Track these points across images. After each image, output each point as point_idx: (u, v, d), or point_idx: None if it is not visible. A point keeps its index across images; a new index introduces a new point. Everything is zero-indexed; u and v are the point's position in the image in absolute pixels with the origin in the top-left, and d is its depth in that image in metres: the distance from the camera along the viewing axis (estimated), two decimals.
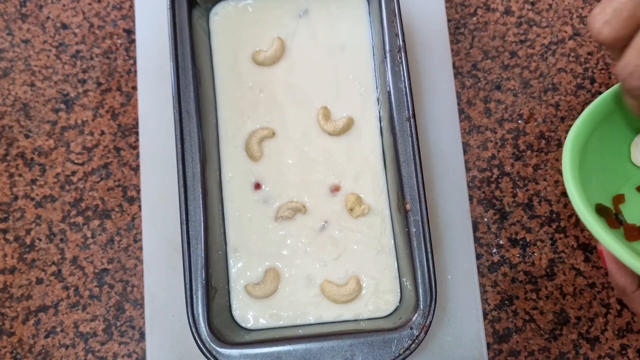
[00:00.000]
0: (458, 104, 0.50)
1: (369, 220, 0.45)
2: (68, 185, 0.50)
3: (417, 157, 0.42)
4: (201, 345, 0.40)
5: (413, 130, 0.42)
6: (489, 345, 0.47)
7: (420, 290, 0.40)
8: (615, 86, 0.37)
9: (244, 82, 0.47)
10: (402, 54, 0.43)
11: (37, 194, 0.50)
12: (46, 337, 0.48)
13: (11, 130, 0.51)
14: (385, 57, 0.43)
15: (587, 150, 0.37)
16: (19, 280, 0.48)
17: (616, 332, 0.47)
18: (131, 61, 0.52)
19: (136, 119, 0.51)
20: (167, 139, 0.48)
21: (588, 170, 0.37)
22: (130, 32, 0.52)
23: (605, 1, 0.27)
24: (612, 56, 0.30)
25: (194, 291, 0.41)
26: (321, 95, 0.47)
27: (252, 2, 0.48)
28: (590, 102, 0.50)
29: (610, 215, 0.39)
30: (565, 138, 0.49)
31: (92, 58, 0.52)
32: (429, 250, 0.41)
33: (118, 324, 0.48)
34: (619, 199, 0.40)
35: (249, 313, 0.44)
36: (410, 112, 0.42)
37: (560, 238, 0.48)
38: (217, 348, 0.40)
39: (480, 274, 0.48)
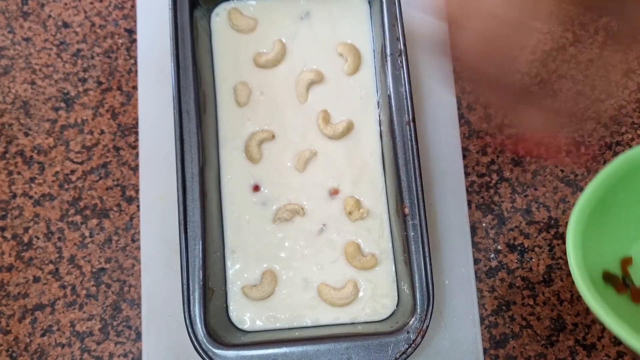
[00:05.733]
0: (458, 108, 0.50)
1: (367, 223, 0.45)
2: (67, 184, 0.50)
3: (416, 161, 0.42)
4: (197, 346, 0.40)
5: (413, 135, 0.42)
6: (485, 350, 0.47)
7: (418, 295, 0.40)
8: (625, 153, 0.37)
9: (244, 83, 0.47)
10: (403, 57, 0.43)
11: (36, 192, 0.50)
12: (42, 335, 0.48)
13: (11, 128, 0.51)
14: (386, 61, 0.43)
15: (592, 219, 0.37)
16: (16, 279, 0.48)
17: (613, 339, 0.47)
18: (132, 61, 0.52)
19: (136, 119, 0.51)
20: (166, 139, 0.48)
21: (595, 237, 0.37)
22: (131, 31, 0.52)
23: None
24: None
25: (191, 292, 0.40)
26: (321, 98, 0.47)
27: (254, 4, 0.48)
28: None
29: (617, 281, 0.39)
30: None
31: (92, 57, 0.52)
32: (426, 254, 0.41)
33: (114, 323, 0.48)
34: (626, 261, 0.41)
35: (246, 315, 0.44)
36: (410, 116, 0.42)
37: (558, 244, 0.48)
38: (213, 349, 0.40)
39: (478, 279, 0.48)
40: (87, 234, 0.49)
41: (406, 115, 0.43)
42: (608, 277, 0.40)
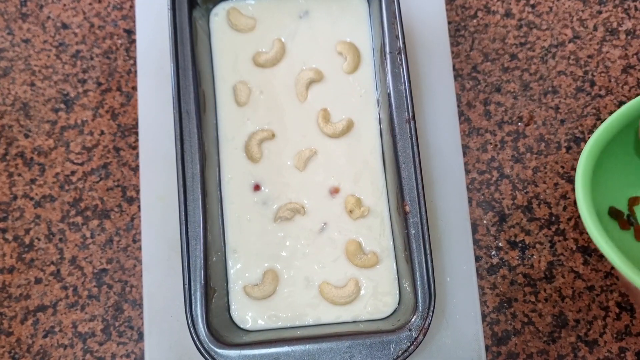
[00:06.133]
0: (458, 106, 0.50)
1: (368, 222, 0.45)
2: (67, 185, 0.50)
3: (416, 159, 0.42)
4: (199, 346, 0.40)
5: (413, 132, 0.42)
6: (487, 347, 0.47)
7: (419, 292, 0.40)
8: (638, 98, 0.37)
9: (244, 83, 0.47)
10: (402, 55, 0.43)
11: (37, 194, 0.50)
12: (44, 337, 0.48)
13: (11, 130, 0.51)
14: (386, 59, 0.43)
15: (606, 154, 0.37)
16: (18, 280, 0.48)
17: (615, 335, 0.47)
18: (131, 61, 0.52)
19: (136, 119, 0.51)
20: (166, 139, 0.48)
21: (606, 173, 0.38)
22: (130, 32, 0.52)
23: None
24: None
25: (192, 292, 0.41)
26: (321, 97, 0.47)
27: (252, 3, 0.48)
28: (590, 105, 0.50)
29: (622, 217, 0.39)
30: (564, 140, 0.50)
31: (92, 58, 0.52)
32: (428, 252, 0.41)
33: (116, 324, 0.48)
34: (634, 200, 0.41)
35: (248, 314, 0.44)
36: (410, 114, 0.42)
37: (559, 241, 0.48)
38: (216, 349, 0.40)
39: (479, 276, 0.48)
40: (88, 234, 0.49)
41: (406, 113, 0.43)
42: (614, 213, 0.40)
